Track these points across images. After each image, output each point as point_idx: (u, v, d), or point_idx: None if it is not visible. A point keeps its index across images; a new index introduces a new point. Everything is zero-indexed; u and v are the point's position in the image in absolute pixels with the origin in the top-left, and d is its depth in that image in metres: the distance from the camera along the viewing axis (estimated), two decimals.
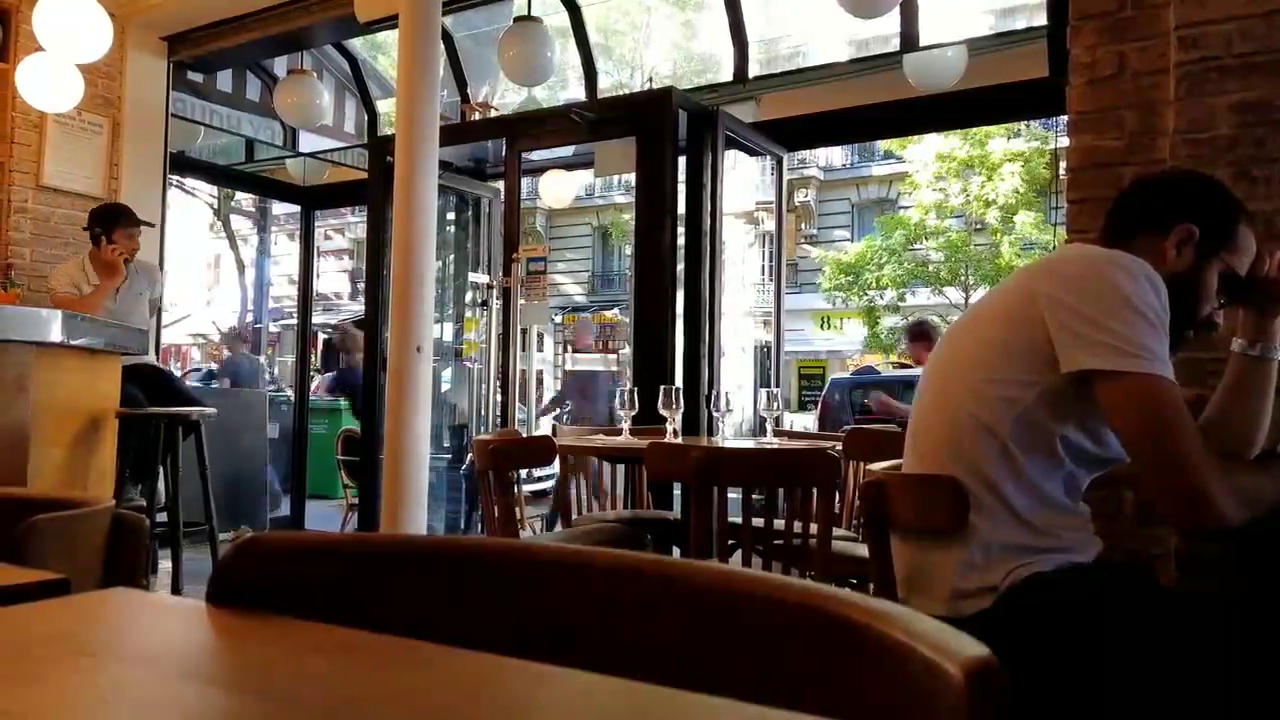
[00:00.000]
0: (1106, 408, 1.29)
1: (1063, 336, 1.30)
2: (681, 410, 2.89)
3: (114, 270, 3.84)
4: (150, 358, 3.99)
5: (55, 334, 2.81)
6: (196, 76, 5.71)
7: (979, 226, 15.36)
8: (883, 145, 17.29)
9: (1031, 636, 1.29)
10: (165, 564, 3.86)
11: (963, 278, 15.56)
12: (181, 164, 5.73)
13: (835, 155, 18.85)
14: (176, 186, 8.20)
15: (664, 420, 2.87)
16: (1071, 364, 1.29)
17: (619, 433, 3.07)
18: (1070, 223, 2.28)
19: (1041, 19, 3.70)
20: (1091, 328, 1.28)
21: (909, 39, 3.98)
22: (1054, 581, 1.31)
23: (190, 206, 13.63)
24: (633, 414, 2.97)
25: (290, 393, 7.63)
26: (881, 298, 16.13)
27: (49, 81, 3.89)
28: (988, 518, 1.35)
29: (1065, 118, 2.34)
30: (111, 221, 3.96)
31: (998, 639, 1.26)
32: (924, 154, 15.26)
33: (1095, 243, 1.51)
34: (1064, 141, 2.24)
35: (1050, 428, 1.34)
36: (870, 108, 4.33)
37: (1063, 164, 2.26)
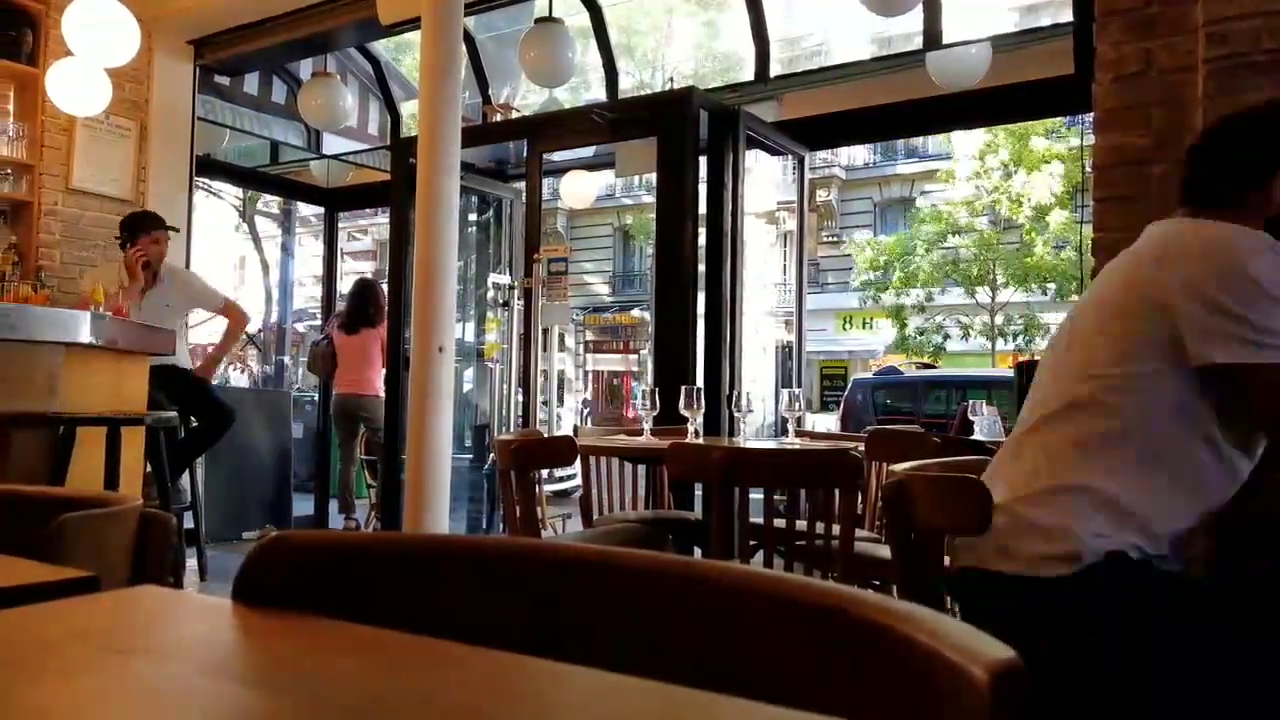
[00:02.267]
0: (1246, 402, 1.24)
1: (1191, 328, 1.24)
2: (703, 410, 2.88)
3: (132, 275, 3.90)
4: (179, 359, 4.04)
5: (84, 335, 2.85)
6: (222, 80, 5.77)
7: (1009, 225, 15.20)
8: (910, 142, 17.17)
9: (1102, 617, 1.27)
10: (189, 561, 3.91)
11: (991, 277, 15.42)
12: (207, 166, 5.80)
13: (857, 154, 18.74)
14: (202, 189, 8.30)
15: (684, 420, 2.86)
16: (1201, 358, 1.24)
17: (639, 433, 3.07)
18: (1097, 221, 2.25)
19: (1067, 15, 3.66)
20: (1223, 319, 1.22)
21: (932, 36, 3.95)
22: (1134, 569, 1.27)
23: (216, 208, 13.78)
24: (654, 414, 2.97)
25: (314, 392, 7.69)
26: (909, 296, 16.00)
27: (78, 86, 3.95)
28: (1086, 496, 1.30)
29: (1091, 115, 2.31)
30: (135, 228, 4.04)
31: (1074, 608, 1.19)
32: (964, 145, 15.09)
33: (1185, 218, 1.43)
34: (1089, 140, 2.22)
35: (1169, 418, 1.29)
36: (893, 106, 4.30)
37: (1089, 162, 2.23)
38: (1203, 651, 1.24)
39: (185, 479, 4.10)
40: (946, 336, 16.10)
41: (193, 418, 4.12)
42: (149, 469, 3.41)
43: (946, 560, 1.47)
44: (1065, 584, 1.28)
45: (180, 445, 3.91)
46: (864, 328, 18.07)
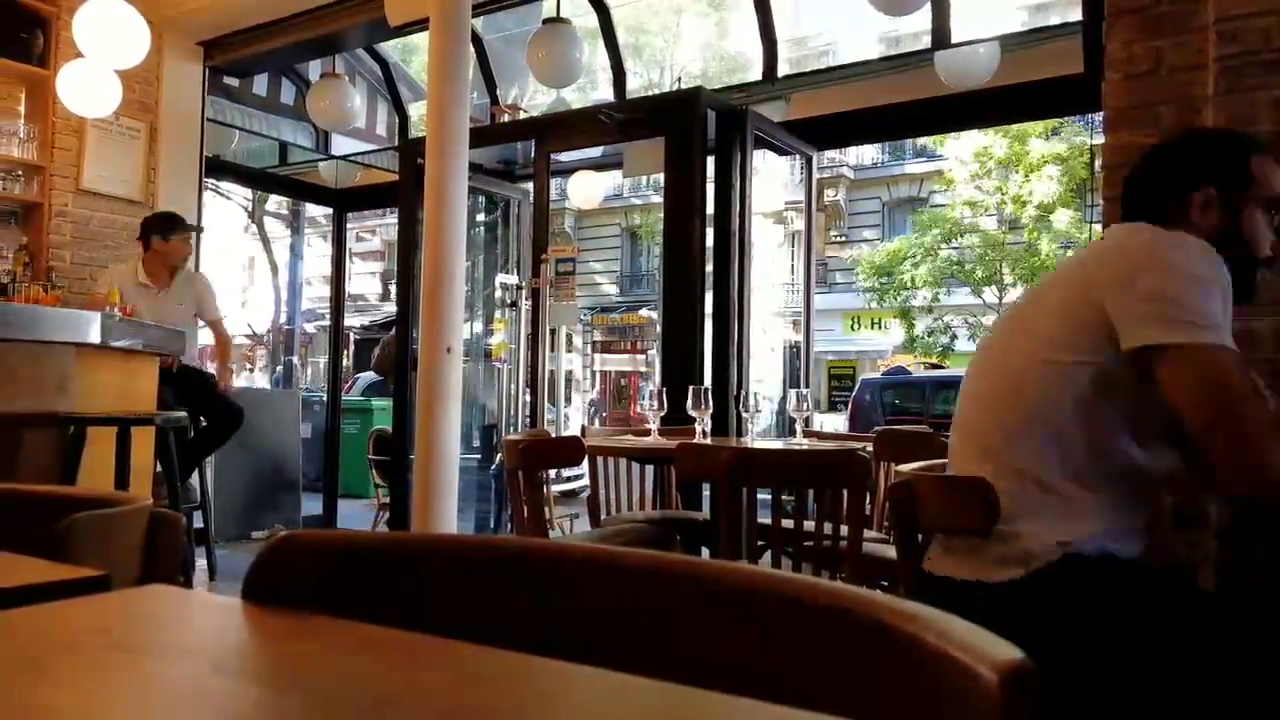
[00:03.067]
0: (1167, 382, 1.27)
1: (1122, 315, 1.29)
2: (710, 410, 2.88)
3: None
4: (188, 359, 4.06)
5: (94, 335, 2.86)
6: (232, 81, 5.79)
7: (1013, 225, 15.15)
8: (918, 142, 17.13)
9: (1057, 615, 1.28)
10: (199, 561, 3.92)
11: (998, 277, 15.37)
12: (217, 167, 5.82)
13: (866, 154, 18.70)
14: (211, 189, 8.33)
15: (692, 420, 2.86)
16: (1132, 340, 1.28)
17: (647, 433, 3.07)
18: (1107, 220, 2.24)
19: (1076, 14, 3.65)
20: (1151, 303, 1.28)
21: (940, 36, 3.94)
22: (1088, 566, 1.30)
23: (225, 209, 13.83)
24: (661, 414, 2.97)
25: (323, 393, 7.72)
26: (916, 298, 15.96)
27: (88, 87, 3.97)
28: (1032, 494, 1.34)
29: (1101, 114, 2.30)
30: (169, 227, 4.09)
31: (1023, 611, 1.24)
32: (961, 149, 15.07)
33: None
34: (1099, 139, 2.21)
35: (1107, 411, 1.33)
36: (901, 106, 4.29)
37: (1098, 161, 2.22)
38: (1170, 645, 1.25)
39: (195, 478, 4.12)
40: (954, 337, 16.06)
41: (201, 418, 4.14)
42: (160, 468, 3.42)
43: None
44: (1018, 586, 1.30)
45: (189, 445, 3.93)
46: (872, 327, 18.04)
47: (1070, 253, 14.45)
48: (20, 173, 4.41)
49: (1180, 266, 1.29)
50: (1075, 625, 1.27)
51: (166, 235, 4.06)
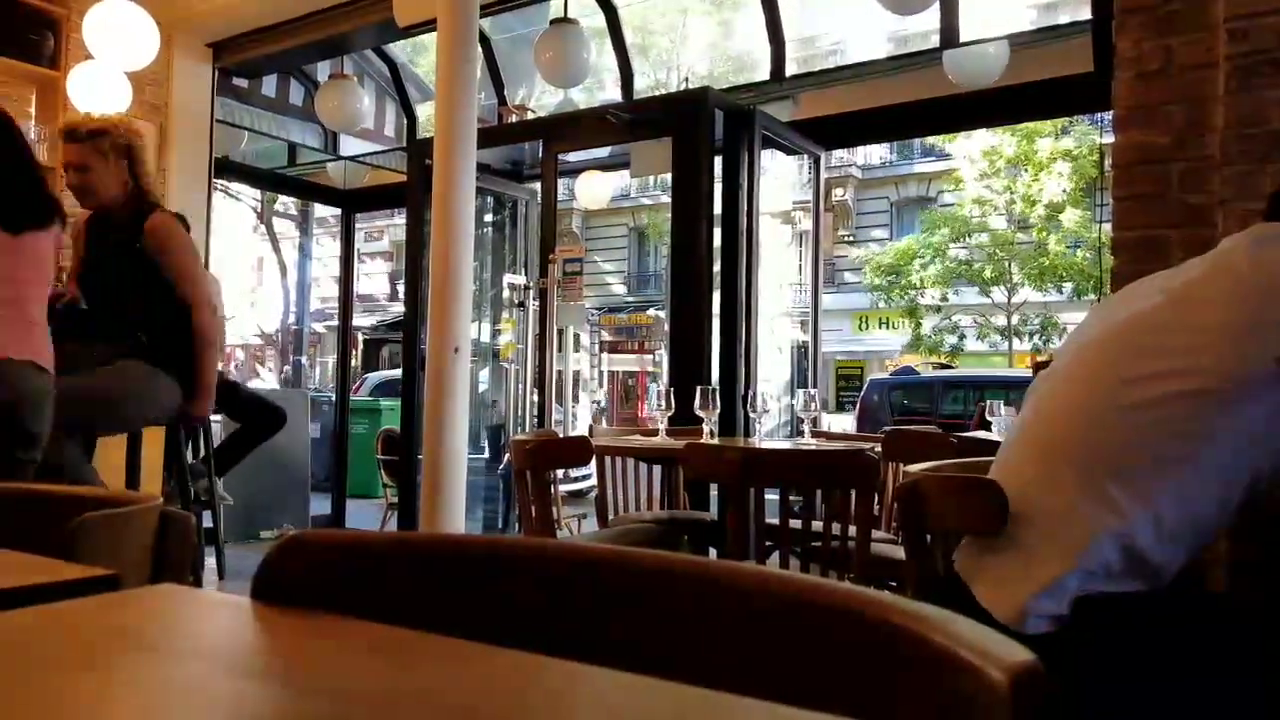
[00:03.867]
0: None
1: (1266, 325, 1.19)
2: (718, 410, 2.88)
3: None
4: None
5: None
6: (241, 82, 5.81)
7: (1023, 225, 15.10)
8: (926, 141, 17.09)
9: (1097, 661, 1.23)
10: (208, 560, 3.94)
11: (1007, 277, 15.32)
12: (226, 168, 5.84)
13: (874, 153, 18.67)
14: (221, 190, 8.36)
15: (700, 420, 2.86)
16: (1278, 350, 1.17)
17: (655, 433, 3.07)
18: (1117, 220, 2.23)
19: (1085, 13, 3.64)
20: None
21: (949, 35, 3.93)
22: (1129, 608, 1.23)
23: (234, 210, 13.89)
24: (669, 414, 2.97)
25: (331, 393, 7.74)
26: (924, 297, 15.92)
27: (98, 88, 3.98)
28: (1109, 549, 1.22)
29: (1110, 113, 2.29)
30: None
31: (1064, 654, 1.13)
32: (970, 148, 15.03)
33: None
34: (1109, 138, 2.20)
35: (1220, 433, 1.22)
36: (909, 105, 4.28)
37: (1108, 160, 2.21)
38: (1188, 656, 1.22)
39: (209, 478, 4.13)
40: (963, 336, 16.02)
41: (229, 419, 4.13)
42: (194, 462, 3.42)
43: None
44: (1052, 641, 1.24)
45: (222, 446, 3.89)
46: (881, 327, 17.99)
47: (1080, 253, 14.42)
48: None
49: None
50: (1107, 670, 1.23)
51: None
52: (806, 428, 2.95)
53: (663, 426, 2.99)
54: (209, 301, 2.88)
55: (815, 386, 4.03)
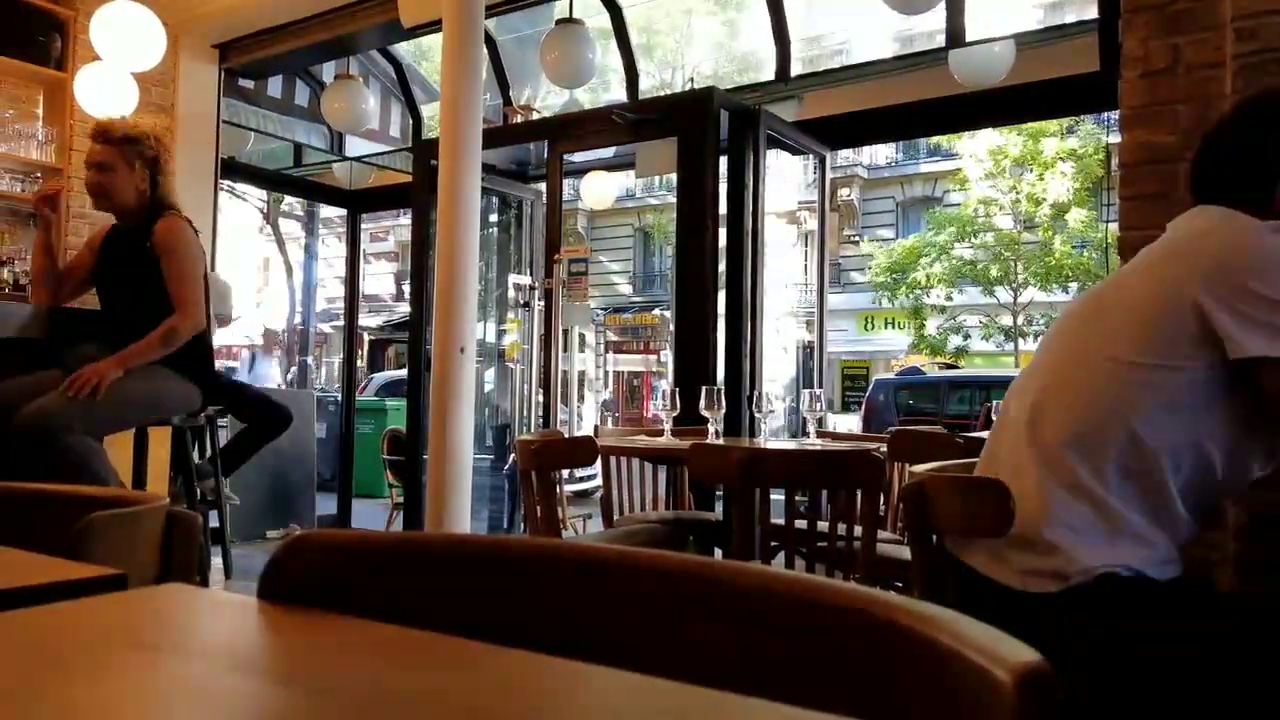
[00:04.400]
0: (1276, 395, 1.21)
1: (1229, 323, 1.21)
2: (723, 411, 2.88)
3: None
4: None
5: None
6: (247, 83, 5.83)
7: (1028, 225, 15.07)
8: (932, 141, 17.07)
9: (1088, 636, 1.25)
10: (214, 560, 3.95)
11: (1013, 276, 15.28)
12: (232, 169, 5.86)
13: (880, 153, 18.65)
14: (227, 191, 8.38)
15: (705, 420, 2.86)
16: (1241, 351, 1.20)
17: (659, 433, 3.07)
18: (1123, 220, 2.23)
19: (1092, 12, 3.62)
20: (1263, 311, 1.19)
21: (955, 34, 3.92)
22: (1124, 587, 1.25)
23: (240, 211, 13.92)
24: (674, 414, 2.97)
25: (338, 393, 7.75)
26: (928, 296, 15.89)
27: (105, 90, 4.00)
28: (1083, 510, 1.27)
29: (1117, 113, 2.29)
30: None
31: (1058, 627, 1.19)
32: (975, 147, 15.00)
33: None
34: (1115, 137, 2.20)
35: (1190, 420, 1.25)
36: (915, 105, 4.28)
37: (1114, 160, 2.21)
38: (1193, 653, 1.22)
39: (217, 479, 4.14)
40: (967, 336, 15.98)
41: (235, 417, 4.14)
42: (201, 462, 3.43)
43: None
44: (1050, 602, 1.26)
45: (228, 447, 3.89)
46: (887, 328, 17.97)
47: (1086, 253, 14.39)
48: (39, 174, 4.45)
49: None
50: (1106, 648, 1.24)
51: None
52: (811, 428, 2.95)
53: (668, 427, 2.99)
54: (195, 308, 2.79)
55: (820, 386, 4.03)
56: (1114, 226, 2.28)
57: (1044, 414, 1.36)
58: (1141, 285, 1.34)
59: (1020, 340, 15.47)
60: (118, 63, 3.89)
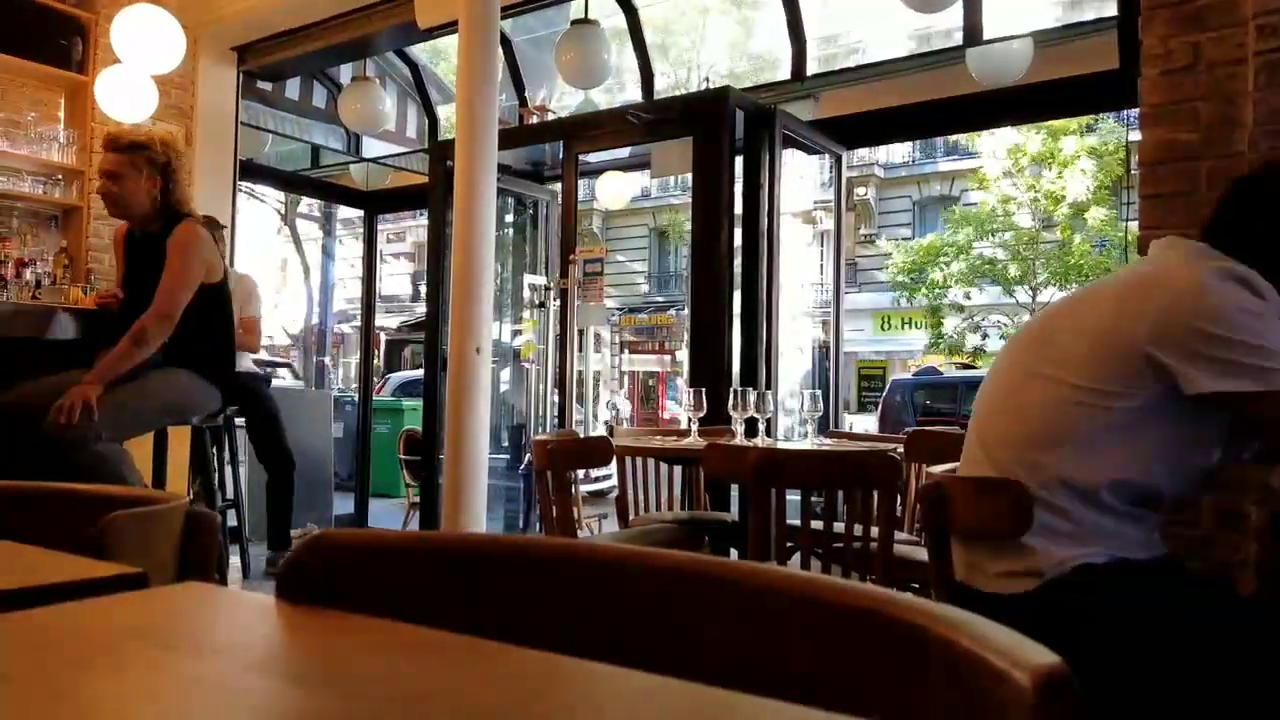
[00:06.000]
0: (1252, 424, 1.30)
1: (1181, 361, 1.27)
2: (748, 412, 2.86)
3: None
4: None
5: None
6: (265, 85, 5.87)
7: (1047, 224, 14.94)
8: (949, 139, 16.96)
9: (1073, 624, 1.28)
10: (233, 559, 3.98)
11: (1031, 276, 15.16)
12: (250, 170, 5.90)
13: (896, 152, 18.54)
14: (245, 192, 8.44)
15: (727, 420, 2.85)
16: (1197, 387, 1.26)
17: (674, 434, 3.06)
18: (1143, 219, 2.21)
19: (1111, 9, 3.59)
20: (1213, 349, 1.25)
21: (973, 32, 3.90)
22: (1102, 573, 1.29)
23: (258, 212, 14.02)
24: (700, 415, 2.96)
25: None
26: (946, 296, 15.79)
27: (126, 92, 4.04)
28: (1046, 511, 1.32)
29: (1137, 111, 2.27)
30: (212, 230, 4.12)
31: (1038, 622, 1.22)
32: (994, 145, 14.89)
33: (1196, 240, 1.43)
34: (1135, 135, 2.18)
35: (1138, 441, 1.31)
36: (932, 103, 4.25)
37: (1134, 158, 2.19)
38: (1199, 642, 1.23)
39: (229, 479, 4.17)
40: (985, 336, 15.87)
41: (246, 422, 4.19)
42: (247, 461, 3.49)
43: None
44: (1026, 600, 1.30)
45: (270, 513, 4.04)
46: (903, 327, 17.87)
47: (1105, 251, 14.26)
48: (60, 177, 4.50)
49: (1234, 305, 1.26)
50: (1097, 628, 1.26)
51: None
52: (810, 428, 2.93)
53: (694, 427, 2.98)
54: (168, 311, 2.74)
55: (834, 387, 4.01)
56: (1134, 225, 2.26)
57: (1006, 427, 1.43)
58: (1095, 316, 1.38)
59: None
60: (138, 66, 3.93)
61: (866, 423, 12.73)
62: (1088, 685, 1.20)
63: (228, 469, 3.87)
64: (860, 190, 18.05)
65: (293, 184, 7.47)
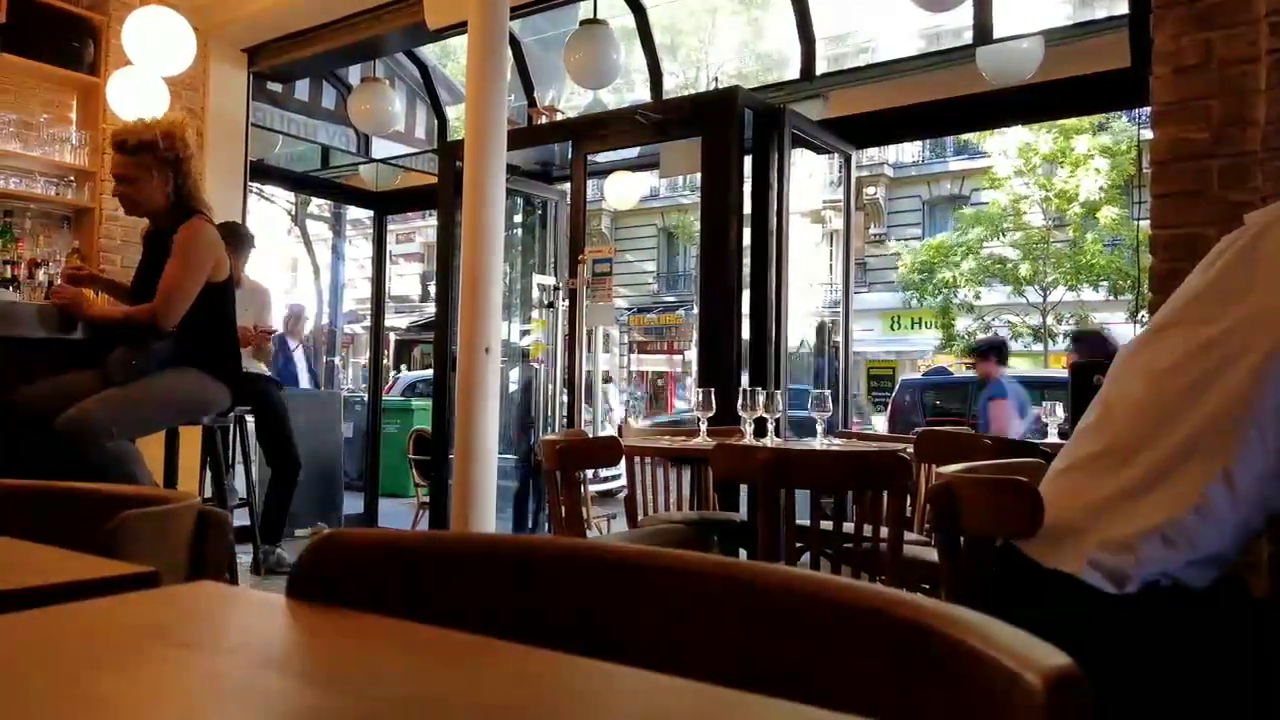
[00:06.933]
0: None
1: None
2: (759, 412, 2.86)
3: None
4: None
5: None
6: (275, 87, 5.89)
7: (1059, 223, 14.86)
8: (959, 139, 16.90)
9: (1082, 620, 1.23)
10: (243, 558, 3.99)
11: (1042, 276, 15.09)
12: (261, 171, 5.92)
13: (906, 151, 18.49)
14: (256, 193, 8.47)
15: (730, 421, 2.85)
16: None
17: (686, 433, 3.06)
18: (1156, 217, 2.20)
19: (1122, 7, 3.58)
20: None
21: (983, 31, 3.89)
22: (1166, 596, 1.22)
23: (268, 212, 14.07)
24: (710, 415, 2.96)
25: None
26: (956, 296, 15.73)
27: (137, 94, 4.06)
28: (1199, 513, 1.21)
29: (1148, 109, 2.26)
30: (244, 243, 4.20)
31: (1116, 625, 1.12)
32: (1004, 144, 14.82)
33: None
34: (1147, 134, 2.16)
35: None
36: (942, 103, 4.24)
37: (1146, 157, 2.17)
38: (1228, 661, 1.20)
39: (240, 479, 4.20)
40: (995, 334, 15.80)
41: (256, 423, 4.22)
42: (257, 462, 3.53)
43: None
44: (1104, 599, 1.23)
45: (265, 513, 4.09)
46: (913, 327, 17.82)
47: (1117, 251, 14.17)
48: (72, 178, 4.52)
49: None
50: (1101, 628, 1.23)
51: (242, 249, 4.15)
52: (819, 428, 2.92)
53: (704, 427, 2.98)
54: (166, 308, 2.75)
55: (831, 388, 4.00)
56: (1146, 224, 2.25)
57: (1157, 425, 1.29)
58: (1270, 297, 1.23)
59: (1050, 340, 15.28)
60: (149, 67, 3.95)
61: (876, 423, 12.70)
62: (1096, 685, 1.18)
63: (238, 468, 3.89)
64: (870, 190, 18.00)
65: (303, 185, 7.49)
